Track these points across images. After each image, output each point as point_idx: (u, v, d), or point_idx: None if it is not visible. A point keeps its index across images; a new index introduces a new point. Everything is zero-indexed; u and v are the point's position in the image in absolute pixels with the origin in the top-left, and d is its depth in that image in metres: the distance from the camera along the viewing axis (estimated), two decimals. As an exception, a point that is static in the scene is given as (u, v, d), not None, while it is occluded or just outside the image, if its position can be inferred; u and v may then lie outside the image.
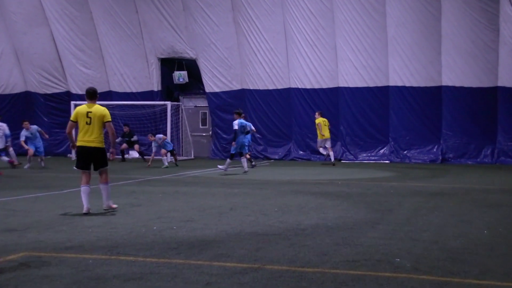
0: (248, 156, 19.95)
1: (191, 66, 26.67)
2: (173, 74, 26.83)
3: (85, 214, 10.21)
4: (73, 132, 11.16)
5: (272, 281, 6.17)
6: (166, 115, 25.58)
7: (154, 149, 22.03)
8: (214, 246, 7.81)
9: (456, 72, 23.16)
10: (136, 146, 21.03)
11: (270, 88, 25.51)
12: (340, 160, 24.51)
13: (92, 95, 10.53)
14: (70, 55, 27.18)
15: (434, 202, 12.26)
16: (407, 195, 13.34)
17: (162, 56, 26.63)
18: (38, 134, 21.23)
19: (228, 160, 19.29)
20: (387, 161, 24.13)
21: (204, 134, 27.28)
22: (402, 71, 23.70)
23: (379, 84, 24.21)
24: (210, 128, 26.93)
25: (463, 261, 7.06)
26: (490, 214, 10.75)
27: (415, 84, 23.69)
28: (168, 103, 25.65)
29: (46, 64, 27.66)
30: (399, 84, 23.84)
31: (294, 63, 25.00)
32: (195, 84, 27.10)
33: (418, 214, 10.59)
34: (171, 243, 8.02)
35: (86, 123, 10.22)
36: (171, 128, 25.62)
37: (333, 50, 24.46)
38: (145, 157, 24.40)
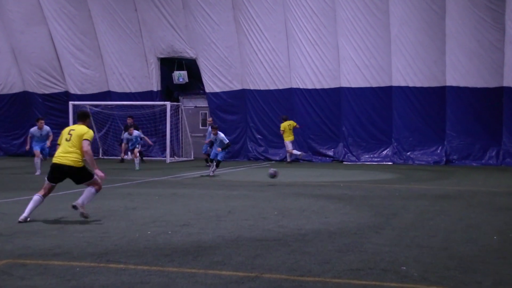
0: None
1: (191, 66, 26.34)
2: (172, 74, 26.49)
3: (20, 222, 9.55)
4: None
5: (270, 292, 5.83)
6: (165, 116, 25.20)
7: (124, 141, 22.11)
8: (210, 253, 7.45)
9: (460, 72, 22.78)
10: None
11: (271, 88, 25.18)
12: (342, 161, 24.23)
13: (80, 117, 10.39)
14: (69, 55, 26.84)
15: (440, 205, 11.91)
16: (411, 198, 13.01)
17: (162, 56, 26.30)
18: (46, 137, 20.52)
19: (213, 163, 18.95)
20: (390, 163, 23.75)
21: (204, 135, 26.87)
22: (406, 71, 23.33)
23: (382, 84, 23.86)
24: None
25: (475, 270, 6.68)
26: (498, 218, 10.43)
27: (418, 84, 23.33)
28: (168, 104, 25.26)
29: (44, 63, 27.30)
30: (402, 84, 23.47)
31: (296, 63, 24.65)
32: (195, 84, 26.75)
33: (424, 218, 10.25)
34: (165, 249, 7.66)
35: (66, 139, 9.99)
36: (171, 129, 25.26)
37: (335, 49, 24.10)
38: (144, 157, 24.09)
